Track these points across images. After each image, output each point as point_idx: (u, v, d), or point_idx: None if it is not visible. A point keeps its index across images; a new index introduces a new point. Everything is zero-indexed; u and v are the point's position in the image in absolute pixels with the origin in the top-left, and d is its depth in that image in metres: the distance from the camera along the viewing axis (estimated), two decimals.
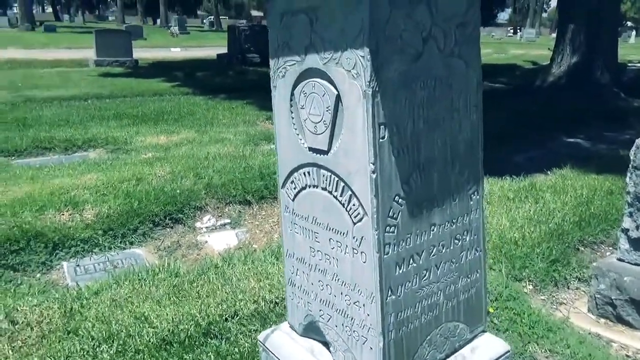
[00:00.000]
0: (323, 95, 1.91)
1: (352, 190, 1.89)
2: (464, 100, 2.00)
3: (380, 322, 1.87)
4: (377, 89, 1.73)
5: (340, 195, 1.96)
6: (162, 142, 8.08)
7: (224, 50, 18.70)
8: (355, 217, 1.90)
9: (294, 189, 2.20)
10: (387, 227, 1.84)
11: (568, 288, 4.62)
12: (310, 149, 2.04)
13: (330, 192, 2.00)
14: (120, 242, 5.14)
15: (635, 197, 4.24)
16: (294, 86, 2.05)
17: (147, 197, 5.65)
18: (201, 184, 6.07)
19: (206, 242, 5.42)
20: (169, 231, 5.48)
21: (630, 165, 4.30)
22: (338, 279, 2.04)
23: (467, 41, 1.95)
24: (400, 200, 1.86)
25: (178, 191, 5.85)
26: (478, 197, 2.14)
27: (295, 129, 2.11)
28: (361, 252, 1.90)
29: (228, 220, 5.75)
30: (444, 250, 2.05)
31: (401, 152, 1.84)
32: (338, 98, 1.86)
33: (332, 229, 2.02)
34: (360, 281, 1.93)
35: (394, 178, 1.83)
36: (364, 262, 1.90)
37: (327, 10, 1.80)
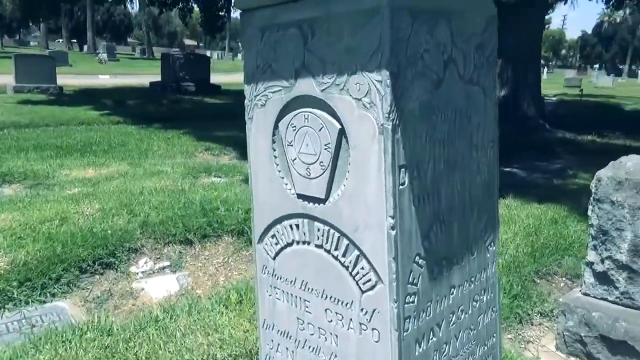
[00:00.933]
0: (320, 130, 1.48)
1: (360, 250, 1.45)
2: (482, 135, 1.63)
3: None
4: (397, 122, 1.31)
5: (343, 256, 1.51)
6: (90, 176, 7.25)
7: (157, 78, 17.87)
8: (364, 284, 1.46)
9: (276, 244, 1.73)
10: (407, 297, 1.41)
11: (532, 324, 4.37)
12: (300, 196, 1.59)
13: (328, 251, 1.55)
14: (40, 294, 4.34)
15: (599, 229, 4.05)
16: (279, 118, 1.60)
17: (73, 239, 4.89)
18: (136, 222, 5.37)
19: (143, 289, 4.73)
20: (98, 278, 4.74)
21: (592, 198, 4.12)
22: None
23: (485, 65, 1.59)
24: (420, 260, 1.44)
25: (109, 231, 5.12)
26: (494, 248, 1.77)
27: (279, 171, 1.64)
28: (372, 329, 1.46)
29: (167, 263, 5.09)
30: (462, 317, 1.65)
31: (422, 200, 1.43)
32: (342, 133, 1.43)
33: (330, 298, 1.55)
34: None
35: (414, 233, 1.41)
36: (377, 342, 1.45)
37: (329, 24, 1.39)
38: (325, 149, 1.49)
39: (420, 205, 1.44)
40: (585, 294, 4.08)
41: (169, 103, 14.43)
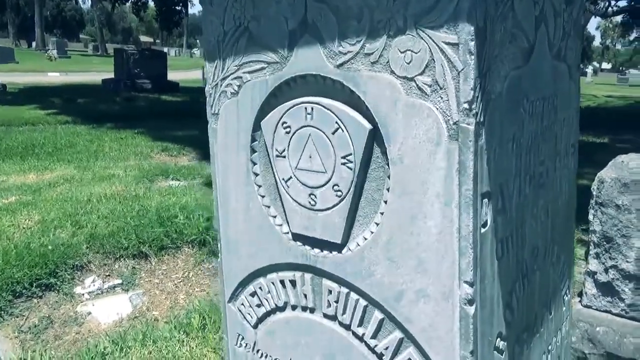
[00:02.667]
0: (334, 132, 0.84)
1: (406, 332, 0.84)
2: (566, 136, 1.04)
3: None
4: (481, 118, 0.69)
5: (374, 337, 0.89)
6: (30, 182, 6.31)
7: (110, 75, 16.61)
8: None
9: (258, 306, 1.08)
10: None
11: None
12: (299, 237, 0.95)
13: (348, 327, 0.92)
14: None
15: (602, 236, 3.55)
16: (262, 113, 0.96)
17: (6, 258, 4.06)
18: (82, 235, 4.56)
19: (89, 313, 3.96)
20: (36, 303, 3.93)
21: (593, 202, 3.62)
22: None
23: (573, 31, 0.99)
24: (501, 343, 0.84)
25: (50, 247, 4.31)
26: (569, 296, 1.18)
27: (262, 196, 1.00)
28: None
29: (119, 281, 4.33)
30: None
31: (506, 247, 0.82)
32: (374, 137, 0.81)
33: None
34: None
35: (496, 304, 0.81)
36: None
37: None
38: (344, 163, 0.86)
39: (504, 256, 0.83)
40: (587, 306, 3.59)
41: (123, 101, 13.34)
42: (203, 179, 6.24)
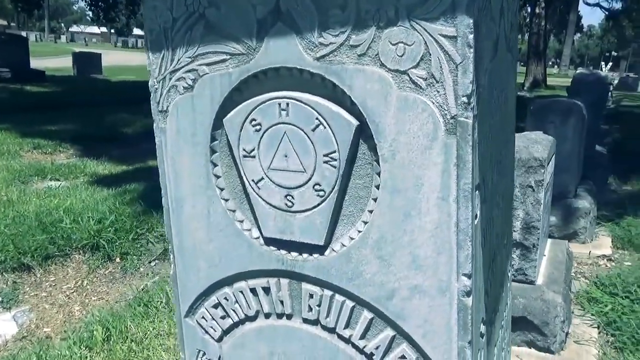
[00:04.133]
0: (315, 130, 0.80)
1: (398, 329, 0.83)
2: (512, 123, 1.10)
3: None
4: (476, 111, 0.70)
5: (362, 337, 0.87)
6: None
7: None
8: None
9: (222, 318, 1.01)
10: None
11: None
12: (272, 241, 0.90)
13: (332, 330, 0.89)
14: None
15: None
16: (224, 109, 0.88)
17: None
18: None
19: None
20: None
21: None
22: None
23: (515, 23, 1.05)
24: (483, 327, 0.87)
25: None
26: (511, 272, 1.27)
27: (226, 200, 0.92)
28: None
29: None
30: None
31: (485, 236, 0.84)
32: (360, 133, 0.77)
33: None
34: None
35: (480, 291, 0.83)
36: None
37: None
38: (327, 161, 0.82)
39: (485, 244, 0.85)
40: None
41: None
42: (87, 177, 5.73)
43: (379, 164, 0.79)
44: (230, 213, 0.95)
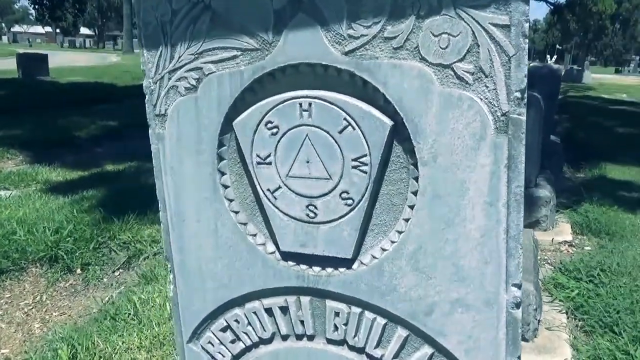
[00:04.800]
0: (342, 132, 0.71)
1: (438, 347, 0.75)
2: None
3: None
4: (527, 107, 0.63)
5: (396, 357, 0.79)
6: None
7: None
8: None
9: (232, 342, 0.91)
10: None
11: None
12: (290, 256, 0.80)
13: (362, 350, 0.80)
14: None
15: None
16: (233, 112, 0.78)
17: None
18: None
19: None
20: None
21: None
22: None
23: None
24: None
25: None
26: None
27: (236, 212, 0.82)
28: None
29: None
30: None
31: None
32: (394, 135, 0.69)
33: None
34: None
35: None
36: None
37: None
38: (357, 166, 0.73)
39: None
40: None
41: None
42: (40, 185, 5.38)
43: (417, 167, 0.71)
44: (242, 227, 0.85)
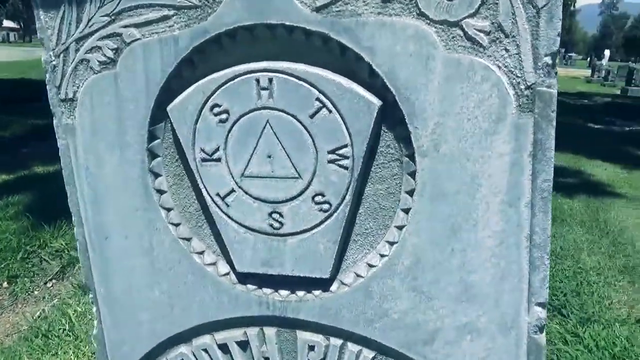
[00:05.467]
0: (314, 115, 0.53)
1: None
2: None
3: None
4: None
5: None
6: None
7: None
8: None
9: None
10: None
11: None
12: (249, 277, 0.61)
13: None
14: None
15: None
16: (167, 94, 0.57)
17: None
18: None
19: None
20: None
21: None
22: None
23: None
24: None
25: None
26: None
27: (175, 225, 0.62)
28: None
29: None
30: None
31: None
32: (383, 117, 0.52)
33: None
34: None
35: None
36: None
37: None
38: (334, 160, 0.55)
39: None
40: None
41: None
42: None
43: (413, 160, 0.54)
44: (184, 242, 0.65)
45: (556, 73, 0.49)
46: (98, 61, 0.60)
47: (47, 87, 0.64)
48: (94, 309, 0.73)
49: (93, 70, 0.61)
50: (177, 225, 0.65)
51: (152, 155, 0.63)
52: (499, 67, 0.49)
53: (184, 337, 0.70)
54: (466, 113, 0.51)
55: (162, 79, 0.59)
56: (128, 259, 0.68)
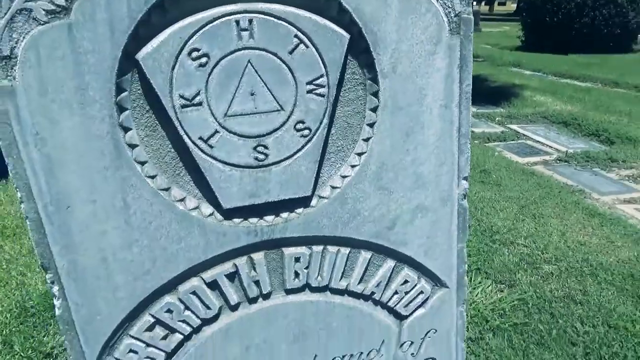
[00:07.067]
0: (293, 51, 0.61)
1: (399, 257, 0.79)
2: None
3: None
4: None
5: (360, 282, 0.79)
6: None
7: None
8: (406, 305, 0.83)
9: (164, 338, 0.73)
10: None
11: None
12: (236, 212, 0.68)
13: (324, 289, 0.77)
14: None
15: None
16: (135, 42, 0.57)
17: None
18: None
19: None
20: None
21: None
22: None
23: None
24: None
25: None
26: None
27: (151, 177, 0.64)
28: None
29: None
30: None
31: None
32: (350, 47, 0.64)
33: None
34: None
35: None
36: None
37: None
38: (312, 90, 0.64)
39: None
40: None
41: None
42: None
43: (375, 81, 0.66)
44: (163, 193, 0.65)
45: (472, 3, 0.66)
46: (44, 10, 0.54)
47: None
48: (55, 289, 0.67)
49: (37, 22, 0.54)
50: (153, 177, 0.64)
51: (121, 108, 0.60)
52: (437, 0, 0.64)
53: (168, 288, 0.71)
54: (415, 39, 0.65)
55: (130, 26, 0.57)
56: (98, 224, 0.64)
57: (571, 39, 10.12)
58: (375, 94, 0.67)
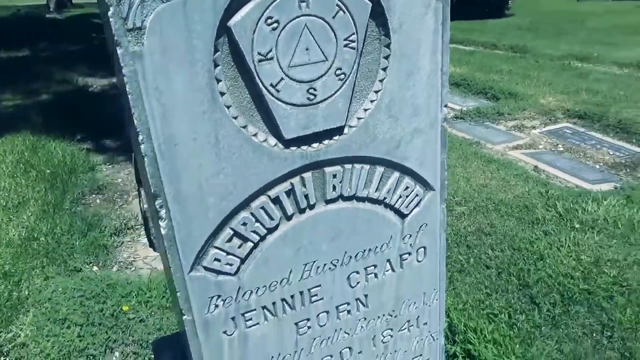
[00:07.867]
0: (335, 16, 0.86)
1: (402, 169, 1.07)
2: None
3: None
4: None
5: (377, 190, 1.06)
6: None
7: None
8: (407, 205, 1.12)
9: (240, 247, 0.96)
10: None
11: None
12: (294, 141, 0.92)
13: (352, 198, 1.03)
14: None
15: None
16: (228, 14, 0.78)
17: None
18: None
19: None
20: None
21: None
22: None
23: None
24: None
25: None
26: None
27: (235, 117, 0.86)
28: (418, 249, 1.18)
29: None
30: None
31: None
32: (372, 13, 0.89)
33: (356, 256, 1.10)
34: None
35: None
36: (420, 261, 1.19)
37: None
38: (347, 45, 0.88)
39: None
40: None
41: None
42: None
43: (388, 36, 0.92)
44: (243, 130, 0.86)
45: None
46: None
47: (111, 20, 0.70)
48: (162, 212, 0.85)
49: (162, 0, 0.72)
50: (236, 117, 0.85)
51: (215, 65, 0.80)
52: None
53: (243, 205, 0.92)
54: (413, 3, 0.91)
55: (227, 1, 0.76)
56: (196, 157, 0.84)
57: (453, 6, 11.03)
58: (388, 46, 0.93)
